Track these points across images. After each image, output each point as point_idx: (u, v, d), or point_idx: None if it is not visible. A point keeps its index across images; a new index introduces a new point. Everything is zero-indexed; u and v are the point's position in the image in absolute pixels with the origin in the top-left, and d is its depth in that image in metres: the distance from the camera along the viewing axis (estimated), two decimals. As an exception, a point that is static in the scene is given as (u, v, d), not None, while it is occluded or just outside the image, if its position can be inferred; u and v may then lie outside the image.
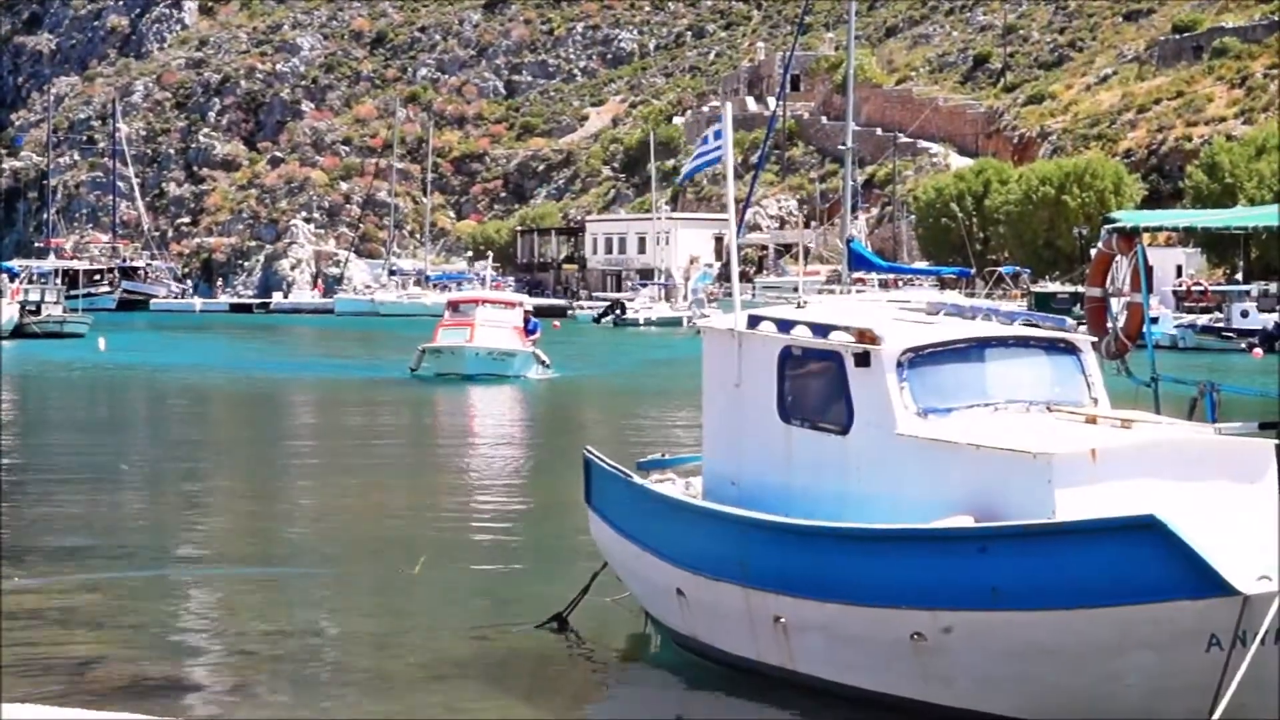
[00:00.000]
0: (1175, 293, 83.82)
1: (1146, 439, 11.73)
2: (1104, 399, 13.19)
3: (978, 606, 10.94)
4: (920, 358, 12.59)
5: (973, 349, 12.92)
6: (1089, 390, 13.16)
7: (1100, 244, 14.94)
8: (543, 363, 52.45)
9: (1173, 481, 11.34)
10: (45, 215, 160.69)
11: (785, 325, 13.40)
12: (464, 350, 50.72)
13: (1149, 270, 14.39)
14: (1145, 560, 10.25)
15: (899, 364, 12.49)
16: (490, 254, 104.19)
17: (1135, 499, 11.03)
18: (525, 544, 20.53)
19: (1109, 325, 15.08)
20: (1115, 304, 15.14)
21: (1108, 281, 15.18)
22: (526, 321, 53.53)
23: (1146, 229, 14.48)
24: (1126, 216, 15.03)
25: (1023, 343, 13.19)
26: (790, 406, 13.22)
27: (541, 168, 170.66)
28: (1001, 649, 10.95)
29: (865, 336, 12.62)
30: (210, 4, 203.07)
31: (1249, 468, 11.49)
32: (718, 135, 14.74)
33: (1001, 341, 13.10)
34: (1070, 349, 13.26)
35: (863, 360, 12.56)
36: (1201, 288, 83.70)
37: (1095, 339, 14.26)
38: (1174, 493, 11.21)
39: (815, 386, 13.10)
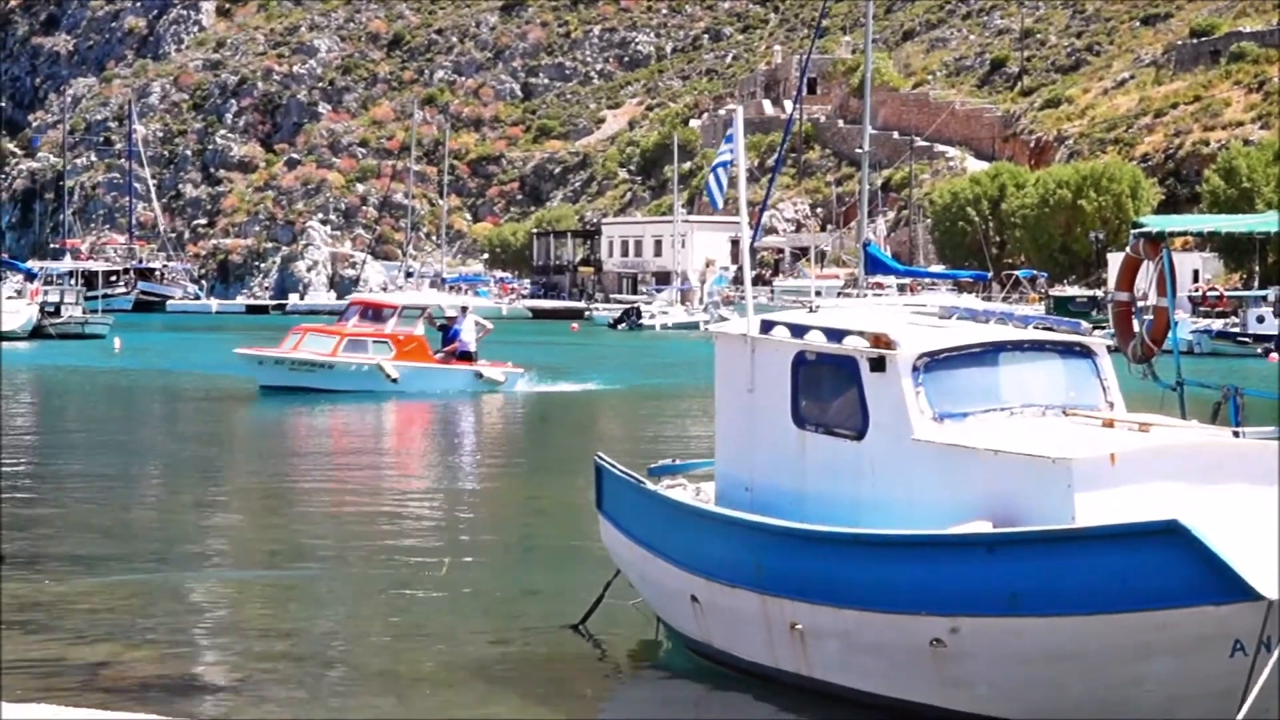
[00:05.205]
0: (1191, 298, 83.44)
1: (1165, 443, 11.62)
2: (1120, 402, 13.06)
3: (997, 612, 10.86)
4: (936, 362, 12.48)
5: (988, 353, 12.81)
6: (1105, 394, 13.05)
7: (1128, 248, 14.84)
8: (493, 380, 45.22)
9: (1193, 485, 11.25)
10: (61, 216, 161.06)
11: (799, 330, 13.28)
12: (251, 359, 45.91)
13: (1174, 274, 14.27)
14: (1168, 565, 10.14)
15: (914, 369, 12.38)
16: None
17: (1156, 503, 10.93)
18: (541, 549, 20.51)
19: (1135, 329, 14.97)
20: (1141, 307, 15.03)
21: (1135, 286, 15.06)
22: (446, 329, 46.01)
23: (1173, 234, 14.35)
24: (1154, 221, 14.92)
25: (1038, 346, 13.08)
26: (804, 412, 13.11)
27: (558, 170, 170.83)
28: (1021, 655, 10.86)
29: (880, 341, 12.51)
30: (227, 5, 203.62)
31: (1269, 470, 11.37)
32: (728, 139, 14.64)
33: (1017, 345, 12.99)
34: (1085, 352, 13.14)
35: (878, 365, 12.44)
36: (1217, 293, 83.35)
37: (1119, 342, 14.14)
38: (1194, 496, 11.11)
39: (829, 392, 12.99)
